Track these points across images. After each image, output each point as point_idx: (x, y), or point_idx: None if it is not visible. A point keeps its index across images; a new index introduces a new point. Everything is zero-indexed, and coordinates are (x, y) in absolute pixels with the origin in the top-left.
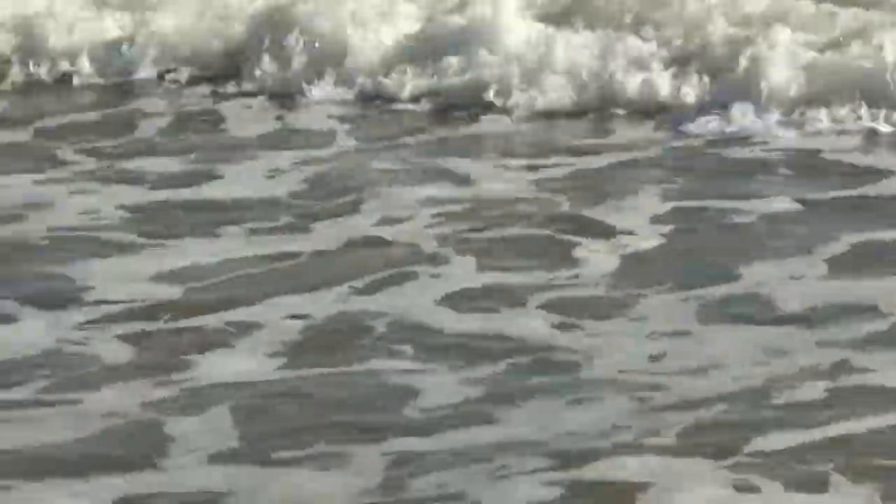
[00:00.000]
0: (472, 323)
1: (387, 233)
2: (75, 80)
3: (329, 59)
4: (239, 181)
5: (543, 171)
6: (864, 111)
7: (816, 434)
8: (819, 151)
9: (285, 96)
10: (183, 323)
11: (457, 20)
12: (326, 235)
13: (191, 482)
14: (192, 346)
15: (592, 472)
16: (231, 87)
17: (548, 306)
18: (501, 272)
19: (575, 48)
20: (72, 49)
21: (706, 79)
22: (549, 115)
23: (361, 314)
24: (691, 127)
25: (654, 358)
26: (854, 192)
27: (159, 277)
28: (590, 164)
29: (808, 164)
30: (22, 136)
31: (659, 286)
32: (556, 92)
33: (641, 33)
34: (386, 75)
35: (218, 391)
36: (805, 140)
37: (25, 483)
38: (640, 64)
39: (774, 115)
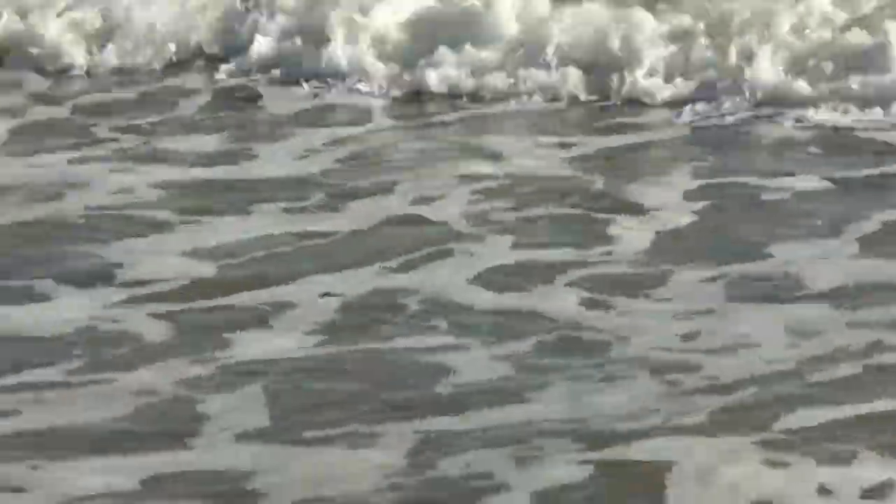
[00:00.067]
0: (505, 300)
1: (421, 211)
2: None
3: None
4: (274, 159)
5: (575, 149)
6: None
7: (847, 411)
8: (851, 129)
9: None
10: (217, 301)
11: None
12: (361, 213)
13: (220, 461)
14: (226, 325)
15: (622, 452)
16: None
17: (581, 284)
18: (535, 249)
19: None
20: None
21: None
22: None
23: (395, 292)
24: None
25: (685, 337)
26: (886, 171)
27: (194, 255)
28: (621, 142)
29: (839, 143)
30: (60, 113)
31: (691, 264)
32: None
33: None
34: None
35: (251, 369)
36: (836, 118)
37: (56, 462)
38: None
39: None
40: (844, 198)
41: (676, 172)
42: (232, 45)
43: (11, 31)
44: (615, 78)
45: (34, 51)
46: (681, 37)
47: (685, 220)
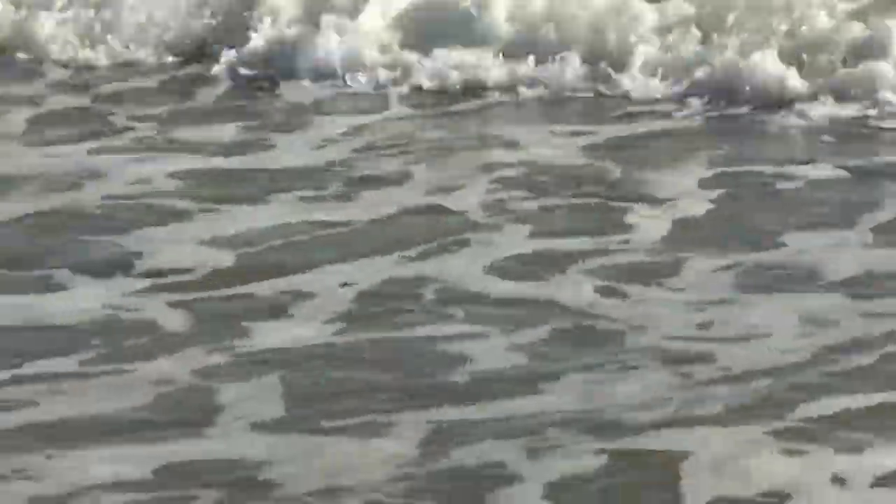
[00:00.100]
0: (521, 289)
1: (438, 200)
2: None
3: None
4: (291, 149)
5: (589, 138)
6: None
7: (862, 401)
8: (864, 119)
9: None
10: (235, 290)
11: None
12: (378, 203)
13: (235, 450)
14: (244, 314)
15: (636, 443)
16: None
17: (597, 273)
18: (552, 238)
19: None
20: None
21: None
22: None
23: (412, 281)
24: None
25: (700, 327)
26: None
27: (212, 245)
28: (633, 131)
29: (853, 132)
30: (77, 102)
31: (707, 253)
32: None
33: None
34: None
35: (268, 358)
36: (850, 107)
37: (70, 452)
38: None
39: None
40: (858, 187)
41: (691, 161)
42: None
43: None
44: (612, 72)
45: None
46: (681, 29)
47: (701, 208)
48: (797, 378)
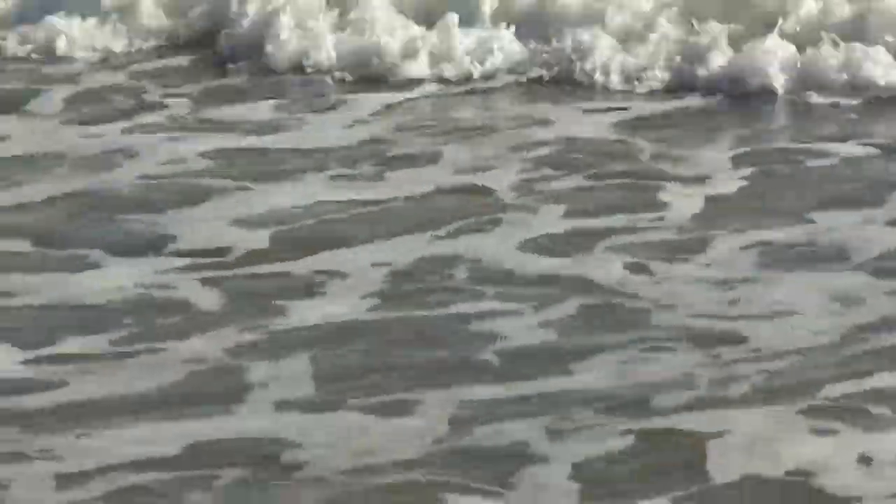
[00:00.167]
0: (553, 268)
1: (470, 179)
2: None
3: None
4: (323, 128)
5: (622, 114)
6: None
7: (889, 380)
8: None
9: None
10: (268, 269)
11: None
12: (410, 181)
13: (262, 429)
14: (276, 292)
15: (663, 423)
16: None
17: (630, 251)
18: (584, 217)
19: None
20: None
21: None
22: None
23: (444, 259)
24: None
25: (730, 305)
26: None
27: (245, 224)
28: (666, 108)
29: (884, 109)
30: (113, 81)
31: (738, 231)
32: None
33: None
34: None
35: (300, 337)
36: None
37: (98, 431)
38: None
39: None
40: (889, 164)
41: (722, 138)
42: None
43: None
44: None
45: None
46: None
47: (732, 186)
48: (825, 357)
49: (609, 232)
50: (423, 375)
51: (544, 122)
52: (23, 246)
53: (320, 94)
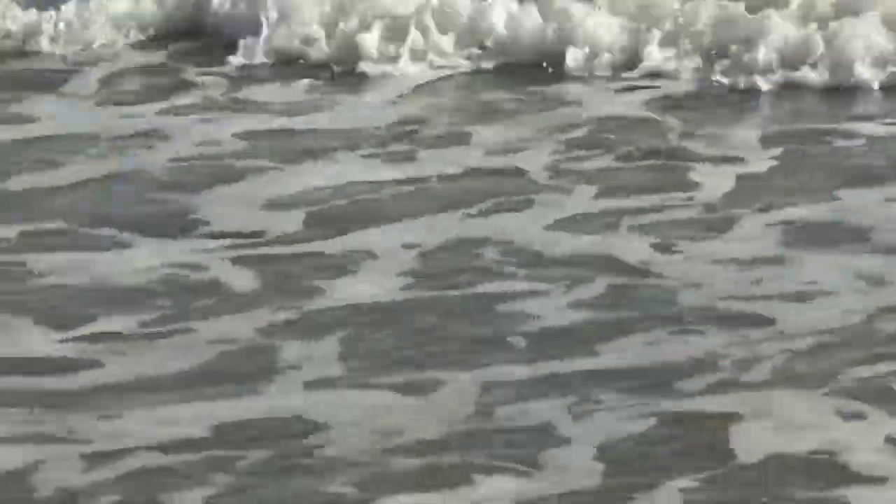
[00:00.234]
0: (582, 248)
1: (500, 159)
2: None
3: None
4: (355, 109)
5: (653, 92)
6: None
7: None
8: None
9: None
10: (300, 249)
11: None
12: (441, 162)
13: (290, 409)
14: (308, 273)
15: (689, 404)
16: None
17: (660, 231)
18: (615, 197)
19: None
20: None
21: None
22: None
23: (475, 240)
24: None
25: (756, 284)
26: None
27: (276, 204)
28: (697, 87)
29: None
30: (147, 60)
31: (768, 211)
32: None
33: None
34: None
35: (330, 317)
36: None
37: (127, 412)
38: None
39: None
40: None
41: (751, 118)
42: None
43: None
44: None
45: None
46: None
47: (762, 166)
48: (851, 338)
49: (639, 212)
50: (451, 355)
51: (575, 102)
52: (57, 226)
53: (351, 74)
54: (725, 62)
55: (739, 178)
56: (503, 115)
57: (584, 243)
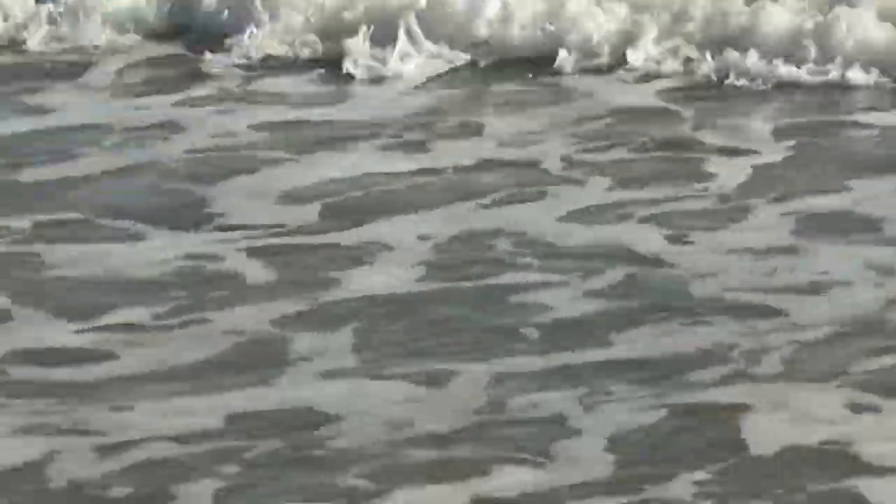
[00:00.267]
0: (597, 239)
1: (513, 150)
2: None
3: None
4: (369, 100)
5: (665, 82)
6: None
7: None
8: None
9: None
10: (314, 240)
11: None
12: (455, 154)
13: (299, 399)
14: (323, 264)
15: (701, 396)
16: None
17: (675, 223)
18: (629, 188)
19: None
20: None
21: None
22: None
23: (488, 231)
24: None
25: (767, 276)
26: None
27: (291, 196)
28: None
29: None
30: (163, 51)
31: (780, 202)
32: None
33: None
34: None
35: (344, 308)
36: None
37: (140, 403)
38: None
39: None
40: None
41: (764, 109)
42: None
43: None
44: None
45: None
46: None
47: (776, 157)
48: (864, 329)
49: (652, 203)
50: (465, 347)
51: (587, 94)
52: (72, 217)
53: (363, 67)
54: (732, 54)
55: (752, 168)
56: (515, 106)
57: (598, 234)
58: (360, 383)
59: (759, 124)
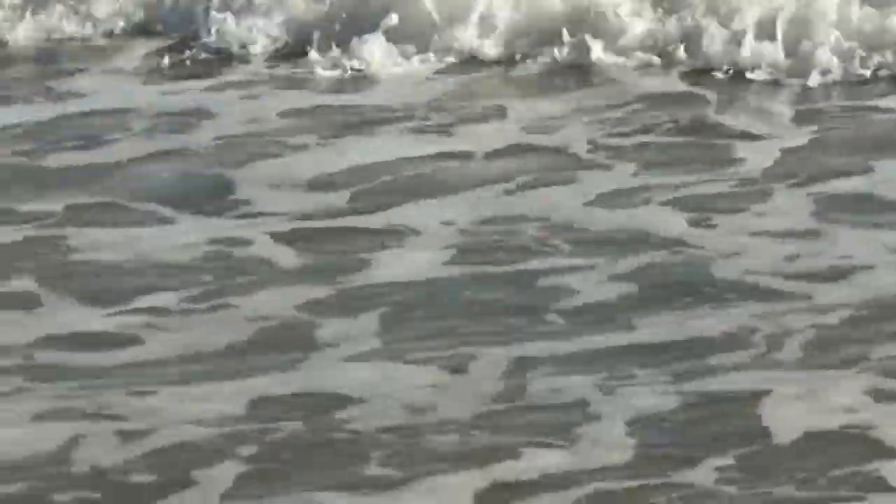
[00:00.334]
0: (622, 224)
1: (539, 135)
2: None
3: None
4: (395, 85)
5: (685, 65)
6: None
7: None
8: None
9: None
10: (341, 225)
11: None
12: (481, 138)
13: (322, 384)
14: (349, 249)
15: (722, 379)
16: None
17: (698, 207)
18: (654, 173)
19: None
20: None
21: None
22: None
23: (514, 216)
24: None
25: (792, 262)
26: None
27: (317, 181)
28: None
29: None
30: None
31: (804, 187)
32: None
33: None
34: None
35: (370, 293)
36: None
37: (164, 388)
38: None
39: None
40: None
41: (786, 93)
42: None
43: None
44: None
45: None
46: None
47: (799, 140)
48: (886, 313)
49: (677, 187)
50: (490, 331)
51: (611, 79)
52: (100, 202)
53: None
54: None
55: (776, 152)
56: (538, 91)
57: (623, 218)
58: (385, 367)
59: (782, 108)
